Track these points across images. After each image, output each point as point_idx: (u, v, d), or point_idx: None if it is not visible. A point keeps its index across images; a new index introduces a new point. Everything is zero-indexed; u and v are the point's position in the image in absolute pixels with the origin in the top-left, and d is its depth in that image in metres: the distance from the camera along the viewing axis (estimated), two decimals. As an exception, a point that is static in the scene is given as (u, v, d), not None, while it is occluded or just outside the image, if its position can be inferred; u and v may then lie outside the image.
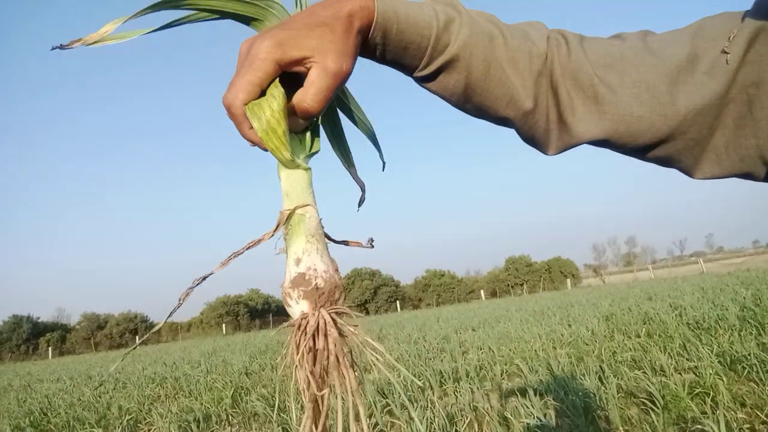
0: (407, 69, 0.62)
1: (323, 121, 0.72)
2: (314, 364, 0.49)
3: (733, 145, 0.58)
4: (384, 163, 0.81)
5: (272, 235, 0.55)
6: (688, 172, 0.64)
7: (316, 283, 0.52)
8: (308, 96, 0.54)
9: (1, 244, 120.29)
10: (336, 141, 0.71)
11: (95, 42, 0.59)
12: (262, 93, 0.54)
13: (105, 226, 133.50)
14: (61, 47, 0.58)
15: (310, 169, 0.59)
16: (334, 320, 0.52)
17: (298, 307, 0.52)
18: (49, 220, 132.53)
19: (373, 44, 0.59)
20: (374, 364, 0.52)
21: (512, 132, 0.68)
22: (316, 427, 0.49)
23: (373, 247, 0.66)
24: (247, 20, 0.64)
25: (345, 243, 0.63)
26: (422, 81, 0.63)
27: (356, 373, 0.51)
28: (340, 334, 0.52)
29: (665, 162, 0.64)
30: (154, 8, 0.59)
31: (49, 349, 41.87)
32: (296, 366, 0.50)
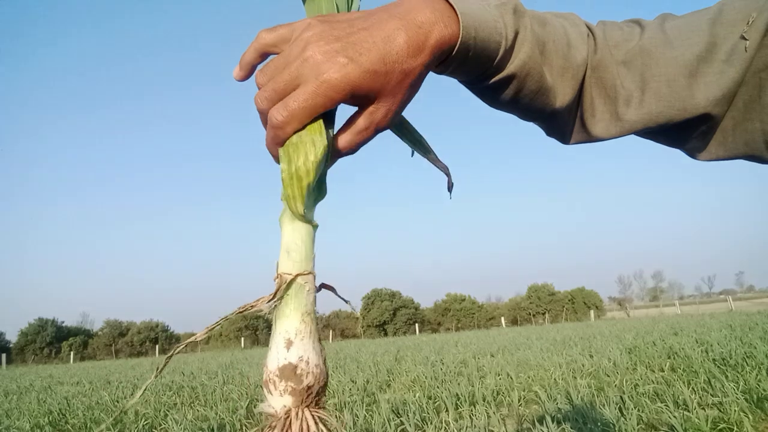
0: (465, 79, 0.59)
1: None
2: None
3: (740, 128, 0.58)
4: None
5: (269, 302, 0.48)
6: (693, 154, 0.64)
7: (307, 382, 0.46)
8: (352, 138, 0.50)
9: (30, 247, 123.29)
10: (401, 128, 0.61)
11: None
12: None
13: (132, 235, 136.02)
14: None
15: (317, 225, 0.52)
16: (316, 423, 0.47)
17: (280, 401, 0.46)
18: (78, 226, 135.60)
19: (443, 66, 0.54)
20: None
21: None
22: None
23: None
24: None
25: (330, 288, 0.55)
26: (473, 90, 0.61)
27: None
28: None
29: (674, 143, 0.64)
30: None
31: (71, 353, 42.52)
32: None
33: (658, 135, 0.64)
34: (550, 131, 0.68)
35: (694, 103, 0.57)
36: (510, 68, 0.55)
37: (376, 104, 0.49)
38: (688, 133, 0.62)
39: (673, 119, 0.59)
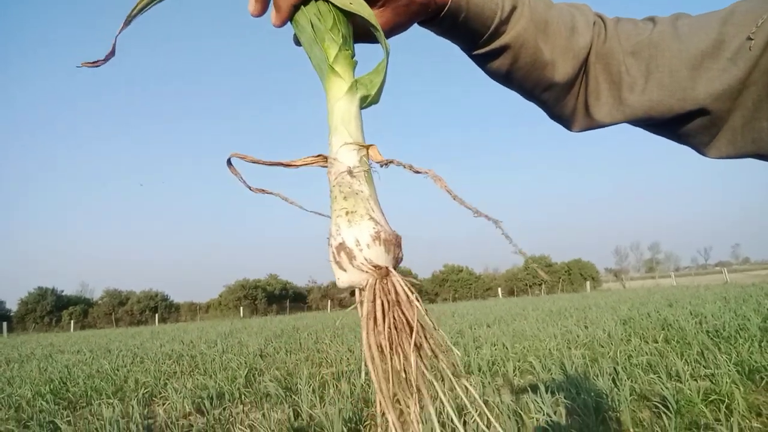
0: (462, 45, 0.66)
1: None
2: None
3: (749, 127, 0.59)
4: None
5: (357, 166, 0.51)
6: (702, 150, 0.65)
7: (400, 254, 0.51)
8: None
9: (29, 216, 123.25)
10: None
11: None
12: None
13: (130, 205, 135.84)
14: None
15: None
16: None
17: (392, 262, 0.50)
18: (77, 196, 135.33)
19: (437, 23, 0.62)
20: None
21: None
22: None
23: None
24: None
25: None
26: (472, 57, 0.67)
27: None
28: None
29: (680, 137, 0.65)
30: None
31: (72, 322, 42.82)
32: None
33: (661, 128, 0.66)
34: (553, 114, 0.71)
35: (694, 95, 0.59)
36: (505, 38, 0.62)
37: (381, 10, 0.58)
38: (689, 128, 0.63)
39: (673, 108, 0.61)
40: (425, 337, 0.48)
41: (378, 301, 0.47)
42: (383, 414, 0.45)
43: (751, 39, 0.56)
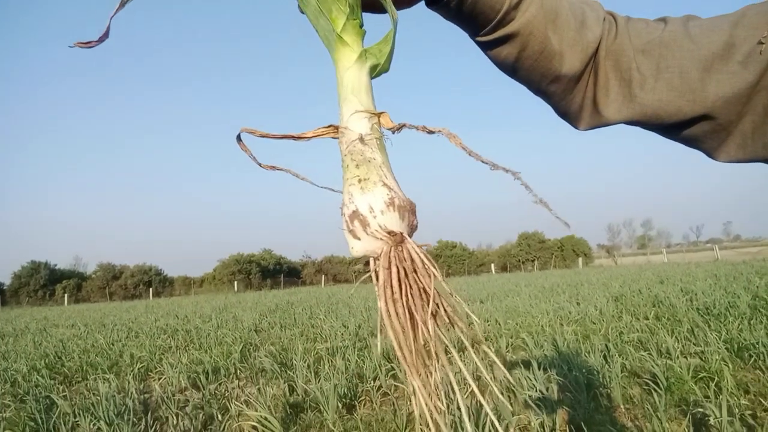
0: (470, 31, 0.65)
1: None
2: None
3: (759, 131, 0.59)
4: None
5: (367, 135, 0.51)
6: (712, 154, 0.65)
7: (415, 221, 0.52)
8: None
9: (22, 189, 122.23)
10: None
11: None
12: None
13: (123, 179, 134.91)
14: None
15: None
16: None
17: (407, 230, 0.50)
18: (70, 169, 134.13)
19: (445, 5, 0.61)
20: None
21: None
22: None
23: None
24: None
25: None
26: (480, 45, 0.67)
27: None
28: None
29: (689, 142, 0.65)
30: None
31: (65, 295, 42.84)
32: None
33: (668, 130, 0.66)
34: (560, 110, 0.70)
35: (703, 96, 0.59)
36: (514, 25, 0.61)
37: None
38: (697, 132, 0.63)
39: (682, 109, 0.60)
40: (442, 304, 0.49)
41: (394, 269, 0.47)
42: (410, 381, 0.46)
43: (762, 43, 0.56)
